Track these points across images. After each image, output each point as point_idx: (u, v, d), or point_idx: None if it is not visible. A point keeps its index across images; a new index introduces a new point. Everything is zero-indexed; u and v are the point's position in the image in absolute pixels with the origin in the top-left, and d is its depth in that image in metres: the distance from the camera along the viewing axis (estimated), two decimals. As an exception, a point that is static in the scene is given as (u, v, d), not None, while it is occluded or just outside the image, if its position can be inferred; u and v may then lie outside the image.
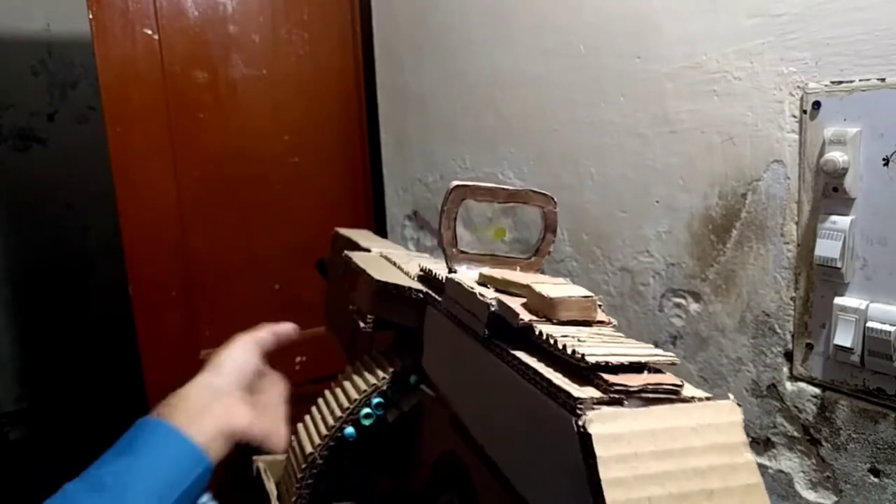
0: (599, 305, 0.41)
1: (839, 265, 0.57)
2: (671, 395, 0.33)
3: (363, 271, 0.60)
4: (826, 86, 0.58)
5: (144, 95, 1.13)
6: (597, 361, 0.33)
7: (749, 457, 0.32)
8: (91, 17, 1.07)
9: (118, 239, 1.13)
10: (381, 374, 0.58)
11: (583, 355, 0.33)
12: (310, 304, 1.30)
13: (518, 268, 0.52)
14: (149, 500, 0.47)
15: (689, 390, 0.34)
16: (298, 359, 1.29)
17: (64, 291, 2.06)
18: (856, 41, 0.56)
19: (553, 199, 0.53)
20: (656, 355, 0.35)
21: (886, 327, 0.54)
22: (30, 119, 1.99)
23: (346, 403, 0.58)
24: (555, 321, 0.39)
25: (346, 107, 1.34)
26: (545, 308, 0.39)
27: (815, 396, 0.63)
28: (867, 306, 0.56)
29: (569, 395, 0.32)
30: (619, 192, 0.81)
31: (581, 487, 0.30)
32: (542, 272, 0.54)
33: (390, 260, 0.65)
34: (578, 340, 0.36)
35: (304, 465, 0.58)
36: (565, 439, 0.31)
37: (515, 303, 0.41)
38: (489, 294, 0.43)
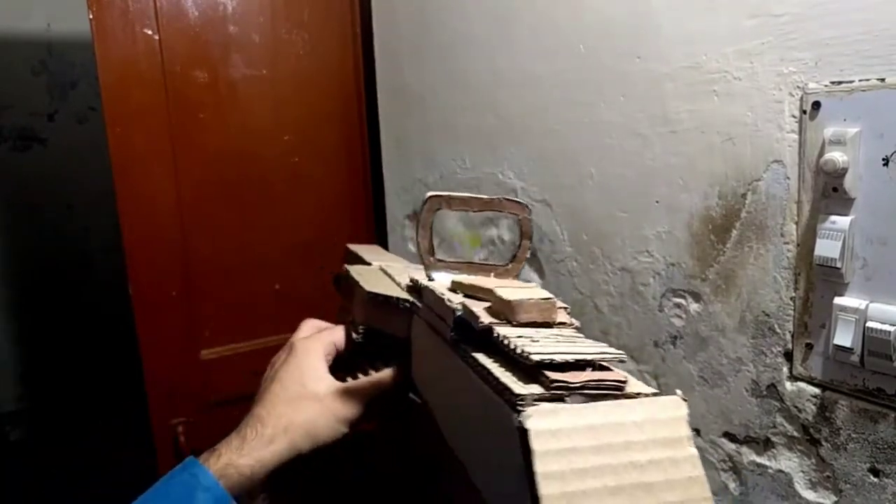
0: (564, 308, 0.42)
1: (839, 265, 0.57)
2: (615, 391, 0.33)
3: (357, 283, 0.61)
4: (826, 86, 0.58)
5: (144, 95, 1.13)
6: (541, 359, 0.34)
7: (691, 450, 0.33)
8: (91, 17, 1.07)
9: (118, 239, 1.13)
10: None
11: (528, 354, 0.34)
12: (310, 304, 1.30)
13: (493, 274, 0.53)
14: None
15: (635, 386, 0.35)
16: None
17: (64, 291, 2.06)
18: (856, 41, 0.56)
19: (527, 206, 0.54)
20: (604, 353, 0.36)
21: (886, 327, 0.54)
22: (30, 119, 1.99)
23: None
24: (515, 323, 0.40)
25: (346, 107, 1.34)
26: (506, 311, 0.41)
27: (815, 396, 0.63)
28: (867, 306, 0.56)
29: (511, 392, 0.33)
30: (619, 192, 0.81)
31: (522, 481, 0.31)
32: (518, 278, 0.55)
33: (387, 273, 0.66)
34: (532, 341, 0.37)
35: None
36: (509, 435, 0.32)
37: (480, 307, 0.42)
38: (456, 299, 0.45)
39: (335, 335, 0.61)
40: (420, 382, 0.55)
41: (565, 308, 0.43)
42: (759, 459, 0.69)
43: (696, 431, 0.75)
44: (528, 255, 0.54)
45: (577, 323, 0.42)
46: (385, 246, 1.35)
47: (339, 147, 1.34)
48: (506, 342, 0.37)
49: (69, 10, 1.95)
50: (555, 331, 0.41)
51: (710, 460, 0.74)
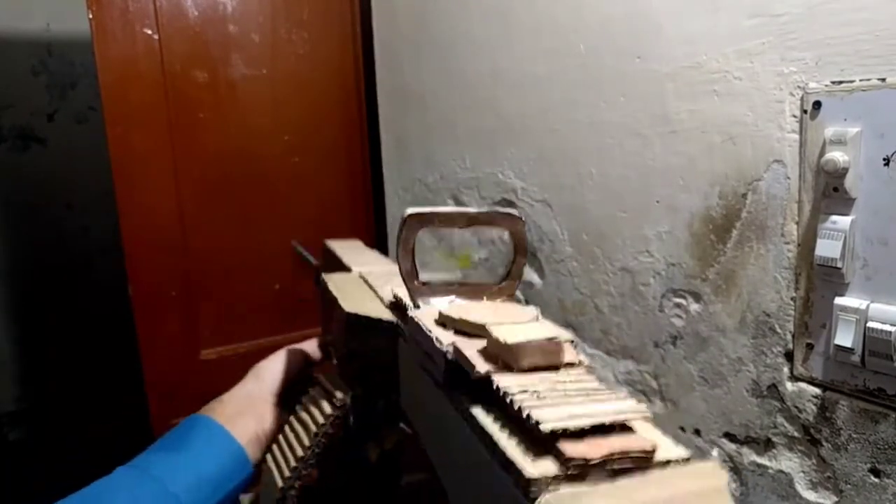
0: (571, 341, 0.37)
1: (839, 265, 0.57)
2: (642, 463, 0.28)
3: (336, 301, 0.56)
4: (826, 86, 0.58)
5: (144, 95, 1.13)
6: (553, 429, 0.28)
7: None
8: (91, 16, 1.07)
9: (118, 239, 1.13)
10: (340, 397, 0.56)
11: (538, 422, 0.29)
12: (310, 305, 1.30)
13: (485, 297, 0.47)
14: (194, 497, 0.49)
15: (665, 450, 0.30)
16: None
17: (64, 291, 2.06)
18: (856, 41, 0.56)
19: (521, 218, 0.46)
20: (625, 412, 0.31)
21: (887, 327, 0.54)
22: (30, 119, 1.99)
23: (313, 429, 0.56)
24: (515, 369, 0.35)
25: (346, 107, 1.34)
26: (504, 354, 0.35)
27: (816, 396, 0.63)
28: (867, 306, 0.56)
29: (521, 473, 0.28)
30: (620, 192, 0.81)
31: None
32: (514, 297, 0.49)
33: (367, 282, 0.61)
34: (538, 398, 0.32)
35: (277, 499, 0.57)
36: None
37: (473, 349, 0.37)
38: (446, 338, 0.39)
39: (306, 346, 0.67)
40: (410, 413, 0.50)
41: (571, 341, 0.37)
42: (759, 460, 0.69)
43: (697, 431, 0.75)
44: (522, 273, 0.48)
45: (586, 361, 0.37)
46: (385, 246, 1.35)
47: (339, 147, 1.34)
48: (509, 401, 0.32)
49: (69, 10, 1.95)
50: (562, 376, 0.35)
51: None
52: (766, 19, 0.63)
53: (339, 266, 0.70)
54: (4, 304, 2.02)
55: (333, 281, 0.62)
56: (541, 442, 0.29)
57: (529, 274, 0.97)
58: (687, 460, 0.29)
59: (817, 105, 0.59)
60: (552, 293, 0.93)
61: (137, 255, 1.14)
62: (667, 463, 0.29)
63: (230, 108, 1.22)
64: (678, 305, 0.75)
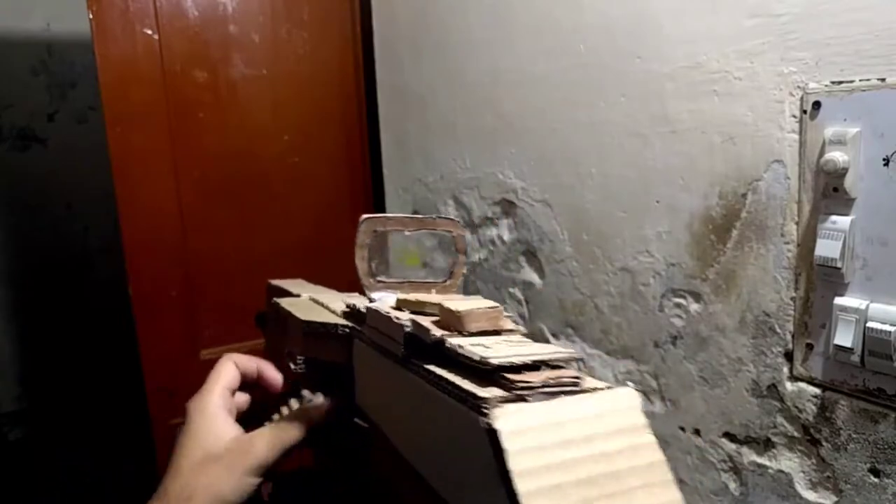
0: (508, 316, 0.44)
1: (839, 265, 0.57)
2: (572, 388, 0.35)
3: (290, 314, 0.61)
4: (826, 86, 0.58)
5: (144, 95, 1.13)
6: (500, 363, 0.35)
7: (650, 437, 0.34)
8: (91, 16, 1.07)
9: (118, 239, 1.13)
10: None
11: (486, 359, 0.35)
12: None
13: (433, 291, 0.54)
14: None
15: (589, 382, 0.36)
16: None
17: (63, 291, 2.06)
18: (856, 41, 0.56)
19: (459, 222, 0.55)
20: (557, 352, 0.37)
21: (887, 327, 0.54)
22: (30, 119, 1.99)
23: None
24: (465, 333, 0.41)
25: (346, 107, 1.34)
26: (455, 322, 0.42)
27: (816, 396, 0.63)
28: (867, 306, 0.56)
29: (475, 396, 0.34)
30: (619, 192, 0.81)
31: (496, 484, 0.31)
32: (458, 293, 0.55)
33: (318, 302, 0.66)
34: (485, 348, 0.38)
35: None
36: (476, 439, 0.33)
37: (428, 321, 0.43)
38: (404, 316, 0.45)
39: (225, 376, 0.57)
40: (367, 406, 0.55)
41: (510, 316, 0.44)
42: (759, 460, 0.69)
43: (697, 431, 0.75)
44: (464, 271, 0.55)
45: (524, 329, 0.43)
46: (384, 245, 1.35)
47: (339, 147, 1.34)
48: (461, 351, 0.38)
49: (69, 10, 1.95)
50: (504, 337, 0.42)
51: (710, 460, 0.74)
52: (766, 19, 0.63)
53: (288, 296, 0.74)
54: (4, 304, 2.02)
55: (286, 302, 0.67)
56: (489, 378, 0.35)
57: (529, 274, 0.97)
58: (609, 388, 0.35)
59: (817, 105, 0.59)
60: (552, 293, 0.93)
61: (137, 254, 1.14)
62: (592, 389, 0.35)
63: (230, 108, 1.22)
64: (678, 305, 0.75)
